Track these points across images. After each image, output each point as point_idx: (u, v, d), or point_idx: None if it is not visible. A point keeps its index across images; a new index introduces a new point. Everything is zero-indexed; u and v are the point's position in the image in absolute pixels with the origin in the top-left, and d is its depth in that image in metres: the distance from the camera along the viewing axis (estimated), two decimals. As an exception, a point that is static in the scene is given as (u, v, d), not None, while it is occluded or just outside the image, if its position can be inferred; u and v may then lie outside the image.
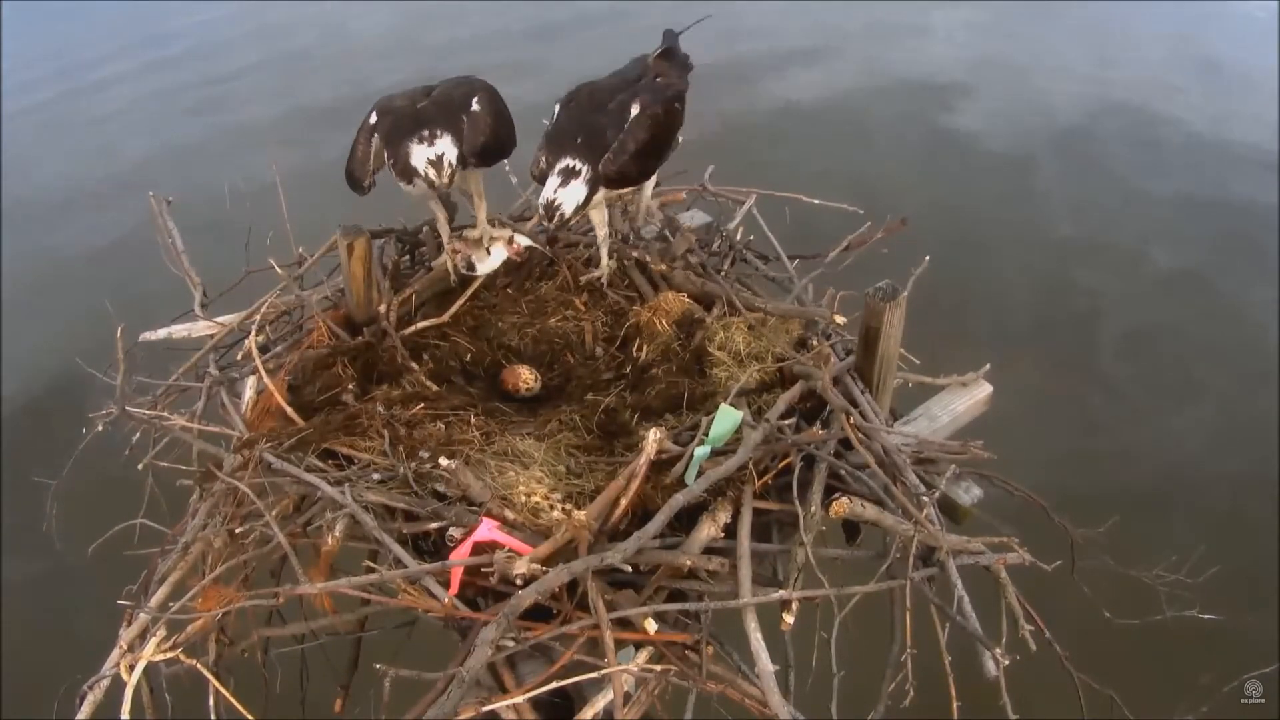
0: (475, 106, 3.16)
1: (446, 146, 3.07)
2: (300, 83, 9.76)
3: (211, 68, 10.26)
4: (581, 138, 3.07)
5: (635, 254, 3.59)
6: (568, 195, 3.04)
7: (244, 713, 2.46)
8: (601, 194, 3.16)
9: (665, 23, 3.51)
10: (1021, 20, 10.11)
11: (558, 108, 3.19)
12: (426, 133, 3.07)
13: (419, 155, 3.06)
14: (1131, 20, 10.15)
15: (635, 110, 3.10)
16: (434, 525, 2.65)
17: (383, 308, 3.36)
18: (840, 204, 4.00)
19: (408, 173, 3.09)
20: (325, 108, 9.10)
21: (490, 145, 3.19)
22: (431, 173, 3.06)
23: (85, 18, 11.57)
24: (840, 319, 3.21)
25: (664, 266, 3.60)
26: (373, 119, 3.19)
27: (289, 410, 3.01)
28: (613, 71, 3.35)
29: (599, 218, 3.52)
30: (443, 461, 2.59)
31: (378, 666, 2.35)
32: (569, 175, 3.04)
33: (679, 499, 2.53)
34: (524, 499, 2.67)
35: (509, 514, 2.60)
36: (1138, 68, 9.16)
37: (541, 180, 3.13)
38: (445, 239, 3.54)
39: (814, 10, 10.18)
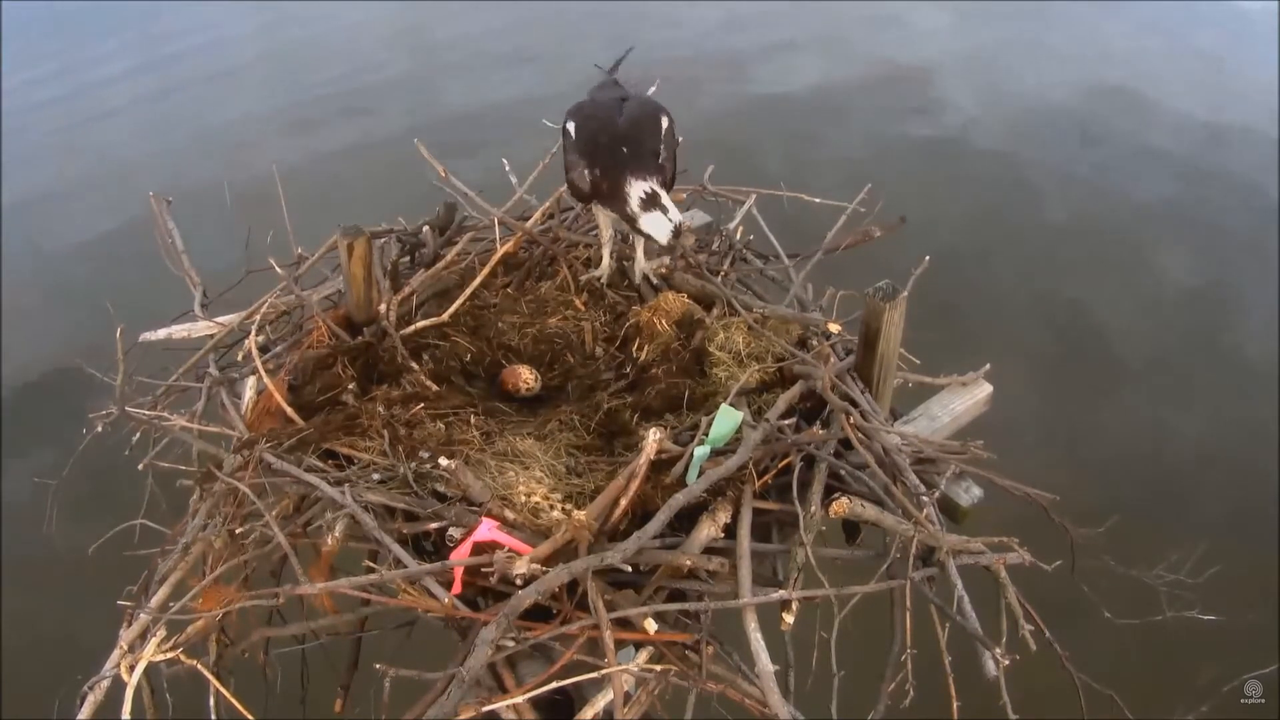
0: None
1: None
2: (302, 82, 9.76)
3: (213, 67, 10.25)
4: (628, 148, 3.15)
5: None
6: (674, 209, 3.16)
7: (244, 713, 2.46)
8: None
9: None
10: (1019, 21, 10.12)
11: (572, 124, 3.24)
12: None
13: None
14: (1129, 20, 10.15)
15: (665, 123, 3.27)
16: (434, 525, 2.65)
17: (383, 307, 3.36)
18: (842, 203, 3.98)
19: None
20: (327, 107, 9.10)
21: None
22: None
23: (85, 17, 11.57)
24: (835, 327, 3.20)
25: (664, 268, 3.61)
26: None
27: (289, 410, 3.01)
28: (592, 90, 3.47)
29: (604, 218, 3.53)
30: (443, 461, 2.59)
31: (378, 666, 2.35)
32: (653, 199, 3.12)
33: (679, 499, 2.53)
34: (524, 499, 2.67)
35: (509, 514, 2.60)
36: (1135, 69, 9.15)
37: (594, 193, 3.21)
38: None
39: (808, 7, 10.22)
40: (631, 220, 3.16)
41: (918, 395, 3.49)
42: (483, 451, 2.87)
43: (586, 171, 3.20)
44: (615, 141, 3.16)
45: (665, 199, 3.13)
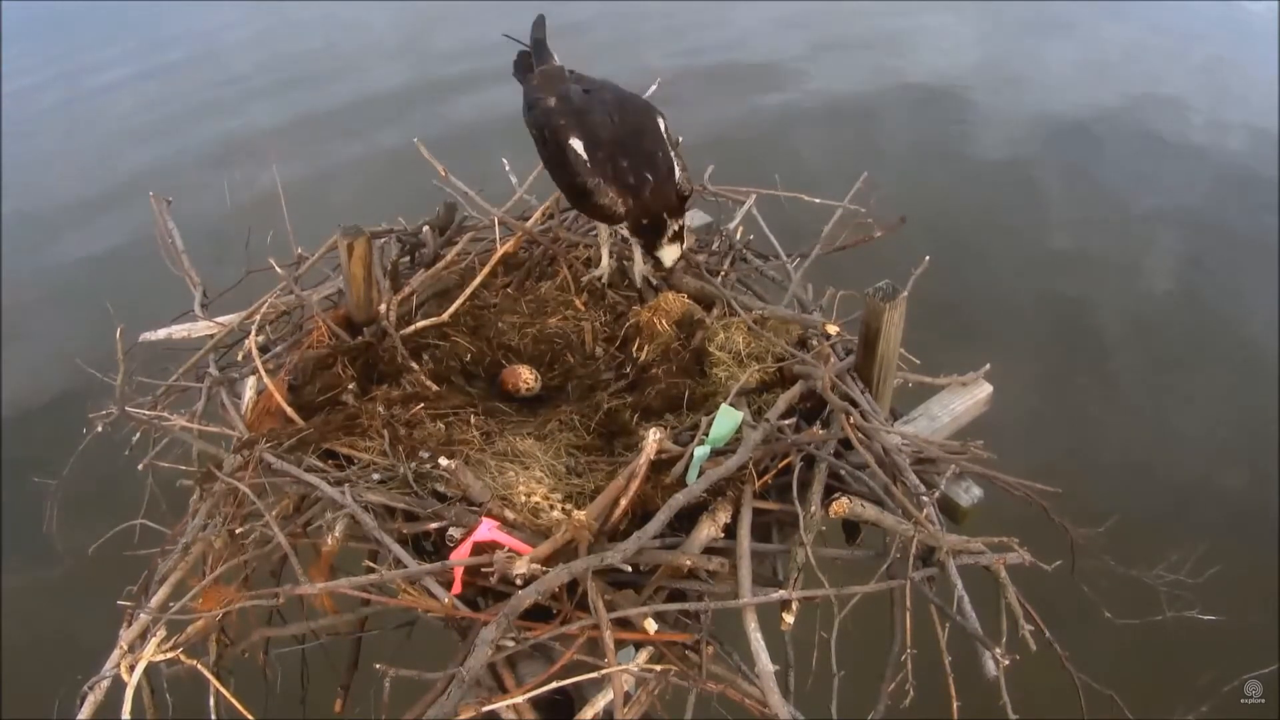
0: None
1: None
2: (303, 84, 9.78)
3: (214, 72, 10.28)
4: (652, 174, 3.16)
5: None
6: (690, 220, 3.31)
7: (244, 713, 2.45)
8: None
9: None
10: (1021, 24, 10.14)
11: (579, 143, 3.17)
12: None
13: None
14: (1130, 21, 10.16)
15: (663, 125, 3.27)
16: (434, 525, 2.64)
17: (383, 307, 3.36)
18: (841, 202, 3.98)
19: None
20: (328, 108, 9.11)
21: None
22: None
23: (86, 21, 11.61)
24: (833, 329, 3.19)
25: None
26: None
27: (289, 410, 3.01)
28: (564, 91, 3.37)
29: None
30: (443, 461, 2.59)
31: (378, 666, 2.35)
32: (679, 234, 3.24)
33: (679, 499, 2.53)
34: (524, 499, 2.67)
35: (509, 514, 2.60)
36: (1137, 70, 9.17)
37: (626, 220, 3.22)
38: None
39: (811, 13, 10.22)
40: (651, 248, 3.25)
41: (918, 395, 3.48)
42: (483, 451, 2.87)
43: (620, 200, 3.18)
44: (638, 165, 3.15)
45: (685, 230, 3.26)
